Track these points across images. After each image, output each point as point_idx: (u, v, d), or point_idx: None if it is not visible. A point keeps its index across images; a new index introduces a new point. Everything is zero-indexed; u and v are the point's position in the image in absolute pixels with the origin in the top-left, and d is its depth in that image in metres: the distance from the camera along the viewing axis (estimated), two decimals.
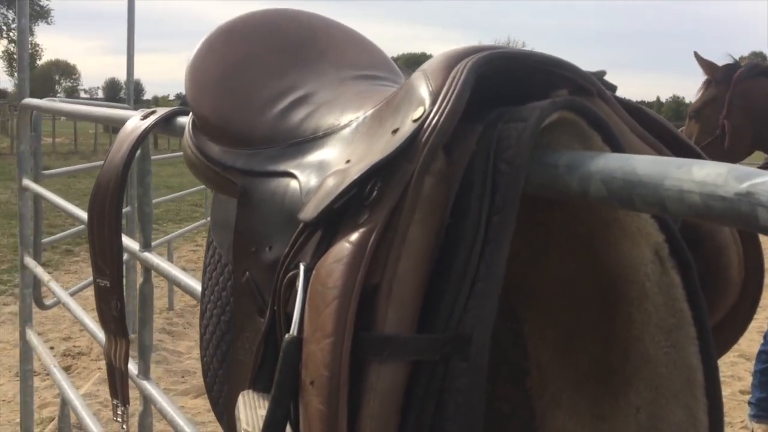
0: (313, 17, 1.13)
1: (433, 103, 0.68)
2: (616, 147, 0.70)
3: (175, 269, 1.73)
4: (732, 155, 3.60)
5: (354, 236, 0.66)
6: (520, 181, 0.65)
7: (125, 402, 1.68)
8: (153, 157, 1.92)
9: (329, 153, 0.85)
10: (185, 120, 1.58)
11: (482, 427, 0.63)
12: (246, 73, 1.04)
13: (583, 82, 0.74)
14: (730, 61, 3.90)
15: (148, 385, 1.86)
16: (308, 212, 0.74)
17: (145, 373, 1.89)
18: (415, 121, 0.69)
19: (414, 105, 0.71)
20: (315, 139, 0.90)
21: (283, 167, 0.90)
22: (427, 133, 0.66)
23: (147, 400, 1.88)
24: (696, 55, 3.92)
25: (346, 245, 0.66)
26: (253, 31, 1.08)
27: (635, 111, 0.81)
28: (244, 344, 0.92)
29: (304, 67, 1.04)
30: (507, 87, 0.75)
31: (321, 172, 0.83)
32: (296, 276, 0.75)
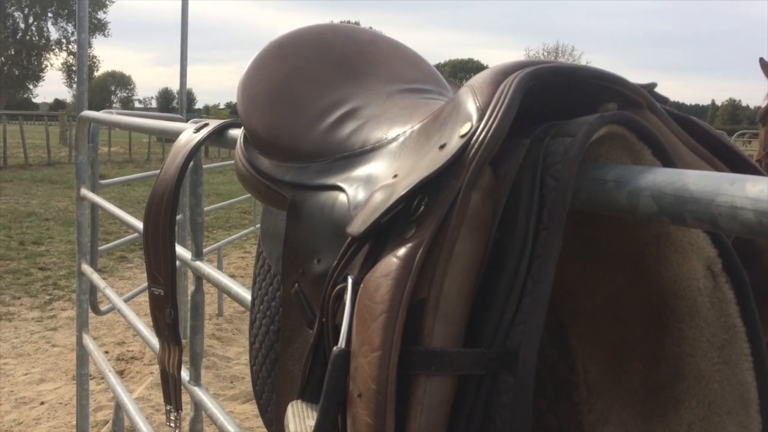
0: (360, 31, 1.14)
1: (480, 119, 0.69)
2: (667, 161, 0.69)
3: (225, 277, 1.76)
4: None
5: (401, 251, 0.67)
6: (567, 196, 0.65)
7: (178, 407, 1.71)
8: (204, 166, 1.96)
9: (377, 167, 0.86)
10: (236, 132, 1.62)
11: None
12: (296, 87, 1.06)
13: (631, 94, 0.73)
14: None
15: (198, 391, 1.90)
16: (356, 226, 0.75)
17: (196, 379, 1.93)
18: (462, 136, 0.69)
19: (461, 120, 0.72)
20: (363, 153, 0.91)
21: (331, 181, 0.92)
22: (474, 149, 0.67)
23: (198, 405, 1.92)
24: (762, 60, 3.82)
25: (393, 260, 0.67)
26: (303, 46, 1.10)
27: (686, 123, 0.80)
28: (293, 355, 0.93)
29: (353, 81, 1.06)
30: (554, 101, 0.75)
31: (369, 185, 0.85)
32: (344, 289, 0.76)
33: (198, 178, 1.85)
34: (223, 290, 1.69)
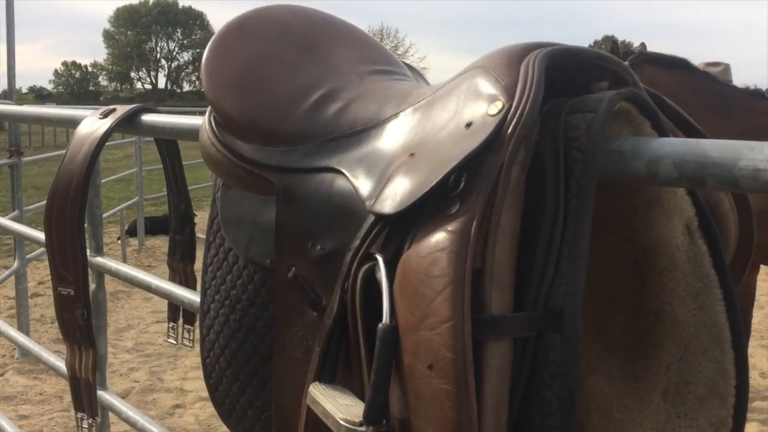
0: (313, 12, 1.14)
1: (510, 98, 0.73)
2: (663, 133, 0.78)
3: (132, 269, 1.68)
4: None
5: (452, 225, 0.70)
6: (595, 166, 0.72)
7: (93, 414, 1.61)
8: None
9: (378, 146, 0.88)
10: (151, 118, 1.54)
11: (577, 393, 0.70)
12: (263, 70, 1.04)
13: (622, 73, 0.81)
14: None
15: (106, 395, 1.79)
16: (389, 205, 0.76)
17: (101, 383, 1.81)
18: (493, 115, 0.73)
19: (484, 99, 0.76)
20: (354, 134, 0.92)
21: (324, 163, 0.92)
22: (512, 127, 0.71)
23: (105, 410, 1.81)
24: (615, 42, 4.20)
25: (443, 234, 0.70)
26: (263, 28, 1.08)
27: (656, 98, 0.89)
28: (293, 339, 0.93)
29: (319, 63, 1.06)
30: (557, 79, 0.81)
31: (372, 166, 0.86)
32: (374, 268, 0.78)
33: (96, 168, 1.73)
34: (132, 282, 1.61)
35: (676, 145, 0.70)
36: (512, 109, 0.72)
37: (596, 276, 0.91)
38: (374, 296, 0.78)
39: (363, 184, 0.85)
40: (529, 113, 0.71)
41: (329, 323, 0.83)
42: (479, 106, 0.76)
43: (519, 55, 0.77)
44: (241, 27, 1.08)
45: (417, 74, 1.15)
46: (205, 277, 1.22)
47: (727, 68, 5.02)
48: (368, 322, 0.79)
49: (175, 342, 1.76)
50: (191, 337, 1.74)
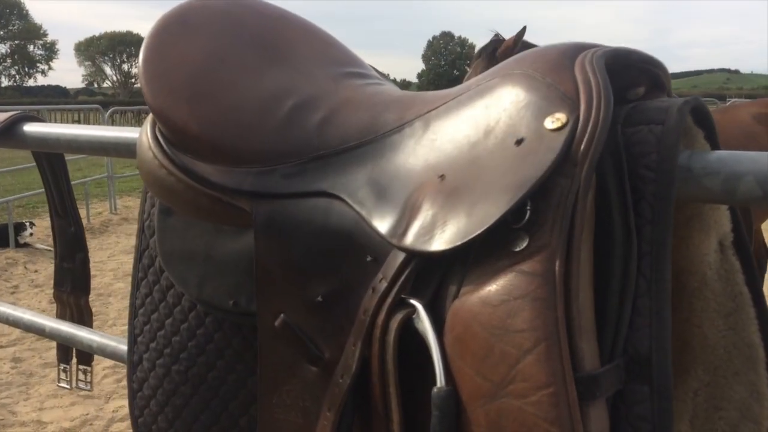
0: (265, 6, 0.96)
1: (573, 110, 0.62)
2: (716, 144, 0.70)
3: (15, 309, 1.40)
4: None
5: (527, 265, 0.57)
6: (673, 187, 0.62)
7: None
8: None
9: (386, 166, 0.73)
10: (36, 129, 1.27)
11: None
12: (220, 74, 0.85)
13: (664, 78, 0.73)
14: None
15: None
16: (435, 242, 0.63)
17: None
18: (555, 130, 0.62)
19: (538, 112, 0.64)
20: (347, 150, 0.77)
21: (313, 186, 0.76)
22: (584, 144, 0.60)
23: None
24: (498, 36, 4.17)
25: (517, 277, 0.57)
26: (211, 23, 0.89)
27: None
28: (284, 400, 0.76)
29: (284, 65, 0.88)
30: None
31: (383, 190, 0.71)
32: (411, 316, 0.64)
33: None
34: (22, 327, 1.34)
35: (757, 159, 0.63)
36: (581, 123, 0.61)
37: None
38: (403, 354, 0.65)
39: (375, 214, 0.71)
40: (603, 127, 0.61)
41: (346, 383, 0.68)
42: (531, 119, 0.64)
43: (568, 57, 0.66)
44: (184, 21, 0.88)
45: (383, 77, 1.01)
46: (135, 321, 1.01)
47: None
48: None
49: (68, 387, 1.50)
50: (88, 379, 1.49)
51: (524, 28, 4.02)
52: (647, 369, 0.60)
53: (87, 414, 4.14)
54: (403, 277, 0.65)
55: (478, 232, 0.60)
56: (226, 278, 0.85)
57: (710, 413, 0.83)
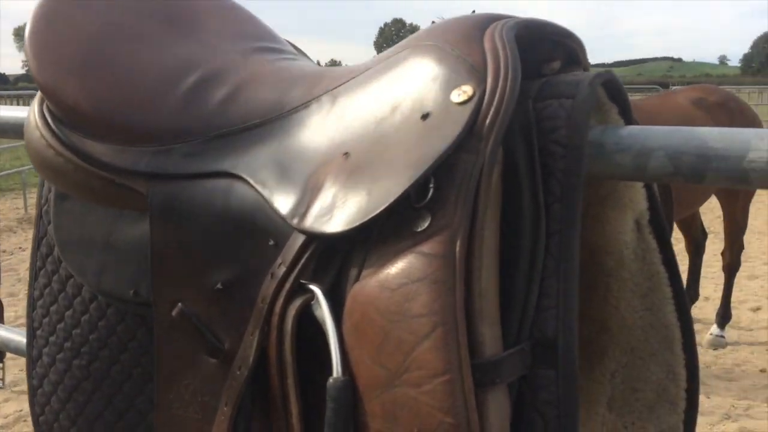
0: None
1: (480, 82, 0.59)
2: (630, 120, 0.68)
3: None
4: None
5: (427, 246, 0.54)
6: (582, 163, 0.60)
7: None
8: None
9: (290, 144, 0.69)
10: None
11: None
12: (118, 46, 0.78)
13: (579, 52, 0.70)
14: None
15: None
16: (333, 223, 0.59)
17: None
18: (461, 103, 0.59)
19: (443, 84, 0.61)
20: (250, 128, 0.72)
21: (215, 166, 0.71)
22: (489, 118, 0.57)
23: None
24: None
25: (417, 259, 0.54)
26: None
27: None
28: (182, 395, 0.71)
29: (188, 38, 0.83)
30: None
31: (286, 169, 0.67)
32: (311, 301, 0.60)
33: None
34: None
35: (669, 134, 0.61)
36: (487, 96, 0.58)
37: None
38: (303, 340, 0.61)
39: (278, 194, 0.66)
40: (510, 100, 0.58)
41: (243, 375, 0.64)
42: (437, 93, 0.61)
43: (477, 28, 0.63)
44: None
45: (301, 53, 0.96)
46: (34, 314, 0.94)
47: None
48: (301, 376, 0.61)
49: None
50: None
51: (473, 13, 4.00)
52: (553, 352, 0.58)
53: (21, 410, 4.00)
54: (302, 261, 0.61)
55: (377, 211, 0.57)
56: (126, 267, 0.80)
57: (627, 395, 0.81)
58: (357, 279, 0.58)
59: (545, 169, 0.61)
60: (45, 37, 0.78)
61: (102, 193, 0.75)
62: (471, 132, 0.57)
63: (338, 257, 0.60)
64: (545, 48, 0.68)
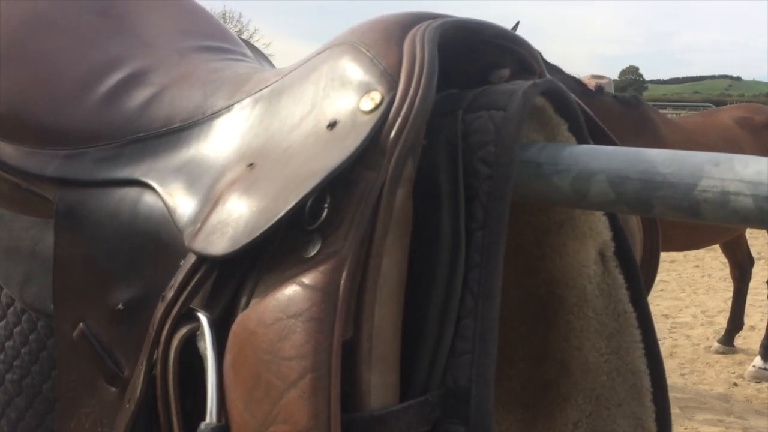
0: None
1: (392, 87, 0.51)
2: (583, 139, 0.60)
3: None
4: None
5: (309, 277, 0.47)
6: (509, 185, 0.52)
7: None
8: None
9: (204, 152, 0.63)
10: None
11: None
12: (43, 39, 0.74)
13: (530, 59, 0.62)
14: None
15: None
16: (217, 243, 0.52)
17: None
18: (368, 112, 0.51)
19: (355, 90, 0.54)
20: (170, 132, 0.66)
21: (126, 173, 0.65)
22: (396, 129, 0.50)
23: None
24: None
25: (298, 291, 0.47)
26: None
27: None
28: (83, 424, 0.65)
29: (125, 33, 0.78)
30: (446, 62, 0.60)
31: (196, 179, 0.61)
32: (197, 331, 0.53)
33: None
34: None
35: (612, 156, 0.52)
36: (395, 104, 0.51)
37: None
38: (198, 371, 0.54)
39: (181, 206, 0.60)
40: (420, 109, 0.50)
41: (130, 410, 0.58)
42: (347, 99, 0.54)
43: (400, 27, 0.55)
44: None
45: (260, 56, 0.90)
46: None
47: (611, 82, 5.02)
48: (189, 411, 0.54)
49: None
50: None
51: (517, 24, 3.87)
52: (465, 405, 0.49)
53: None
54: (191, 285, 0.54)
55: (257, 234, 0.50)
56: (49, 278, 0.75)
57: None
58: (246, 308, 0.51)
59: (469, 190, 0.53)
60: None
61: (10, 199, 0.70)
62: (375, 144, 0.50)
63: (233, 281, 0.53)
64: (490, 53, 0.61)
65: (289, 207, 0.48)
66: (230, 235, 0.52)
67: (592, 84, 4.13)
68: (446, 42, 0.57)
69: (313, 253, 0.48)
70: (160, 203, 0.62)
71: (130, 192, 0.64)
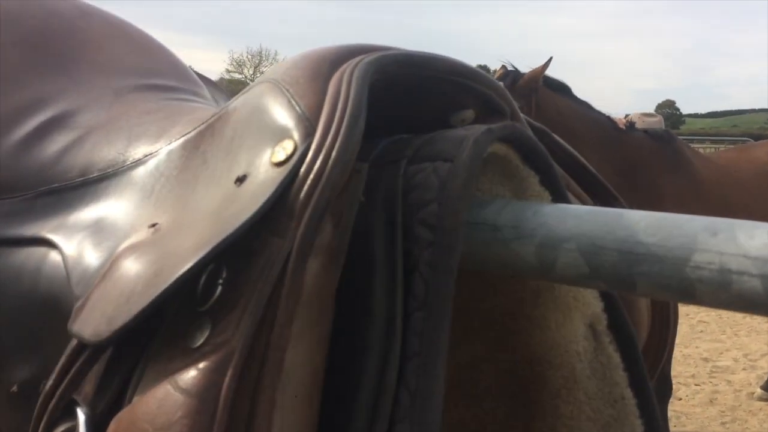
0: (62, 3, 0.78)
1: (308, 134, 0.42)
2: (560, 194, 0.49)
3: None
4: None
5: (188, 377, 0.37)
6: (454, 254, 0.42)
7: None
8: None
9: (115, 208, 0.54)
10: None
11: None
12: None
13: (496, 98, 0.52)
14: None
15: None
16: (93, 326, 0.43)
17: None
18: (279, 164, 0.42)
19: (270, 136, 0.44)
20: (87, 183, 0.58)
21: (33, 230, 0.57)
22: (307, 186, 0.40)
23: None
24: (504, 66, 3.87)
25: (172, 396, 0.37)
26: None
27: (543, 136, 0.62)
28: None
29: (58, 71, 0.70)
30: (396, 103, 0.51)
31: (103, 240, 0.52)
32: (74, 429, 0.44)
33: None
34: None
35: (585, 218, 0.42)
36: (309, 155, 0.41)
37: (456, 397, 0.62)
38: None
39: (81, 271, 0.51)
40: (338, 161, 0.41)
41: None
42: (260, 148, 0.45)
43: (330, 62, 0.46)
44: None
45: (220, 94, 0.82)
46: None
47: (661, 120, 4.87)
48: None
49: None
50: None
51: (550, 60, 3.74)
52: None
53: None
54: (71, 373, 0.45)
55: (123, 321, 0.40)
56: None
57: None
58: (126, 405, 0.42)
59: (409, 259, 0.43)
60: None
61: None
62: (282, 205, 0.40)
63: (121, 369, 0.44)
64: (447, 92, 0.51)
65: (158, 293, 0.39)
66: (109, 315, 0.42)
67: (622, 122, 4.00)
68: (389, 78, 0.47)
69: (199, 343, 0.39)
70: (62, 267, 0.53)
71: (35, 252, 0.56)
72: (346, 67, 0.45)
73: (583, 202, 0.60)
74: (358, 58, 0.46)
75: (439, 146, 0.44)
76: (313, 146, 0.41)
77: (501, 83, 0.54)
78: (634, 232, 0.40)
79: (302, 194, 0.40)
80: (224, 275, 0.40)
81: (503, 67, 3.93)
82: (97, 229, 0.54)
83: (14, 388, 0.53)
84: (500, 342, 0.58)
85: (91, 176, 0.58)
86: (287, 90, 0.46)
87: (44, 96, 0.67)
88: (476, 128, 0.45)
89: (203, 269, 0.40)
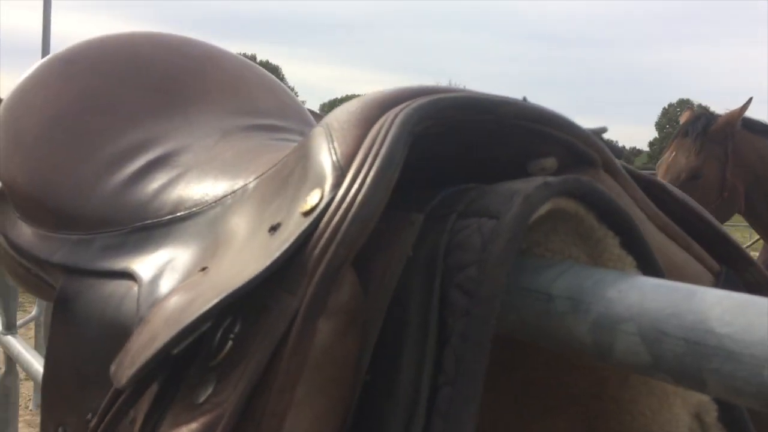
0: (191, 44, 0.82)
1: (336, 185, 0.39)
2: (647, 260, 0.42)
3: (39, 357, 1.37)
4: (723, 218, 3.24)
5: None
6: (488, 328, 0.36)
7: None
8: None
9: (190, 247, 0.55)
10: None
11: None
12: (84, 118, 0.72)
13: (581, 145, 0.46)
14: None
15: None
16: (124, 369, 0.43)
17: None
18: (305, 214, 0.40)
19: (307, 184, 0.42)
20: (174, 221, 0.59)
21: (123, 264, 0.59)
22: (324, 240, 0.37)
23: None
24: (691, 109, 3.59)
25: None
26: (105, 61, 0.77)
27: (652, 187, 0.53)
28: None
29: (175, 111, 0.74)
30: (464, 151, 0.47)
31: (171, 279, 0.53)
32: None
33: None
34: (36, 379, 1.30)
35: (649, 294, 0.34)
36: (332, 207, 0.38)
37: None
38: None
39: (145, 308, 0.52)
40: (358, 216, 0.37)
41: None
42: (296, 195, 0.43)
43: (380, 106, 0.43)
44: (71, 60, 0.77)
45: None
46: None
47: None
48: None
49: None
50: None
51: (750, 100, 3.37)
52: None
53: None
54: (110, 413, 0.45)
55: (139, 365, 0.39)
56: None
57: None
58: None
59: (443, 328, 0.38)
60: (13, 108, 0.74)
61: (27, 282, 0.67)
62: (299, 258, 0.38)
63: (154, 417, 0.43)
64: (523, 138, 0.46)
65: (167, 339, 0.38)
66: (136, 360, 0.42)
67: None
68: (447, 124, 0.43)
69: (202, 400, 0.37)
70: (135, 301, 0.55)
71: (122, 285, 0.58)
72: (394, 112, 0.42)
73: (693, 253, 0.51)
74: (407, 102, 0.42)
75: (488, 200, 0.39)
76: (337, 198, 0.38)
77: (587, 130, 0.47)
78: (706, 318, 0.32)
79: (317, 249, 0.37)
80: (237, 330, 0.38)
81: (689, 109, 3.61)
82: (171, 268, 0.55)
83: (89, 416, 0.55)
84: (586, 424, 0.50)
85: (179, 214, 0.60)
86: (330, 135, 0.43)
87: (157, 136, 0.70)
88: (534, 181, 0.39)
89: (222, 321, 0.39)
